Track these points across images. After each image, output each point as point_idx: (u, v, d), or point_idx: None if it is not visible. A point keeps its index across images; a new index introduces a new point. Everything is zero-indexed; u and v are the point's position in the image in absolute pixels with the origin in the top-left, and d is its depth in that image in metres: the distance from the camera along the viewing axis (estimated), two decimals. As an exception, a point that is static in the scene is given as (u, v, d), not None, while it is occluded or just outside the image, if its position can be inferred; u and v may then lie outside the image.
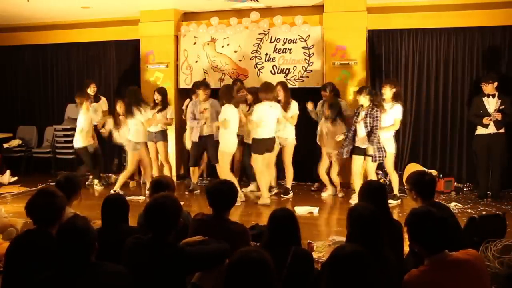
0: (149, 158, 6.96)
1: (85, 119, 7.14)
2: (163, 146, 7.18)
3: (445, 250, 2.31)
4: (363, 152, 6.03)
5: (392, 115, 6.12)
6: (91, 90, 7.54)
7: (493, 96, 6.24)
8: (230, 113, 6.13)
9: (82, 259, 2.20)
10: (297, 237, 2.85)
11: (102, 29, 8.43)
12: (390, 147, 6.21)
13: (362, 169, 6.20)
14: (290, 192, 6.61)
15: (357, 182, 6.07)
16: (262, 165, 6.23)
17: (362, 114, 5.98)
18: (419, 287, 2.26)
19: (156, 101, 7.09)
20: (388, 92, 6.17)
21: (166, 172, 7.25)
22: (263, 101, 6.13)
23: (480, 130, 6.36)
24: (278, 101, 6.38)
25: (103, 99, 7.73)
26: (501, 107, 6.19)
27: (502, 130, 6.26)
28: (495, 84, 6.23)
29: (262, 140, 6.13)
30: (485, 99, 6.29)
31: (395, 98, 6.17)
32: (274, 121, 6.20)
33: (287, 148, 6.48)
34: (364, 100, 5.97)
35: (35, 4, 7.25)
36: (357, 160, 6.10)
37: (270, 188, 6.64)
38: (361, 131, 6.00)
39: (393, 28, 7.15)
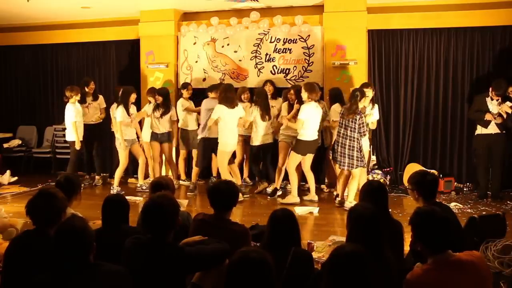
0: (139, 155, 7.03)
1: (78, 112, 7.07)
2: (168, 148, 7.23)
3: (448, 250, 2.31)
4: None
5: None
6: (90, 88, 7.54)
7: (497, 99, 6.24)
8: (221, 112, 6.07)
9: (80, 260, 2.20)
10: (297, 237, 2.85)
11: (102, 29, 8.42)
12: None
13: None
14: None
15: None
16: (296, 165, 6.22)
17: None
18: (421, 287, 2.26)
19: (158, 103, 7.06)
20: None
21: (169, 173, 7.28)
22: (308, 101, 6.01)
23: (480, 130, 6.36)
24: (292, 105, 6.37)
25: (101, 97, 7.74)
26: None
27: (502, 130, 6.26)
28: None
29: (308, 142, 6.09)
30: (488, 100, 6.28)
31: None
32: (319, 122, 6.18)
33: None
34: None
35: (35, 4, 7.24)
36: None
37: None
38: None
39: (393, 28, 7.14)
